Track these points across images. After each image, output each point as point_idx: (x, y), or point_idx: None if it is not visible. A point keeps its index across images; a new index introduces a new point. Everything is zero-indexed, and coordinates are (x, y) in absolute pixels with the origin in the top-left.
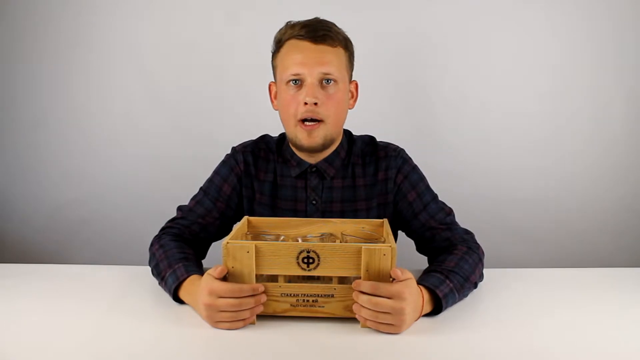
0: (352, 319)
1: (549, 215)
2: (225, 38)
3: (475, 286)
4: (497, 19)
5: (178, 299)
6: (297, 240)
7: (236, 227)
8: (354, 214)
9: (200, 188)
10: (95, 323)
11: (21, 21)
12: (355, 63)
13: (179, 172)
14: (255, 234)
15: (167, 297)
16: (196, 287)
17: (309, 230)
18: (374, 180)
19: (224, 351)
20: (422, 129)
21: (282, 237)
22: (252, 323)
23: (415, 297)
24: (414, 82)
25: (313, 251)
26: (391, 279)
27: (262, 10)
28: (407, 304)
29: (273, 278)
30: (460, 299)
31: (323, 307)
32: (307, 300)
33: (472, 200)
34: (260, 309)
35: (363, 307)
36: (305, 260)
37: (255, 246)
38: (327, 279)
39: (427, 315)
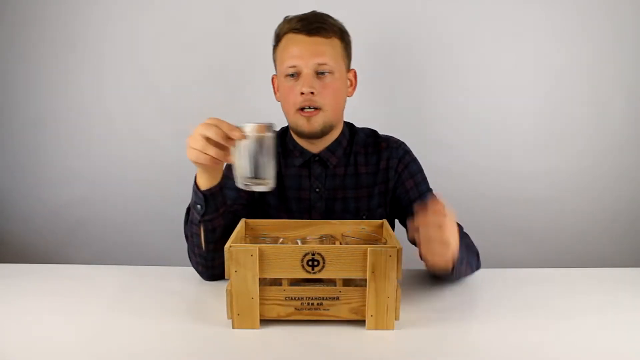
0: (358, 322)
1: (549, 215)
2: (225, 38)
3: (478, 258)
4: (498, 18)
5: (198, 192)
6: (297, 242)
7: (235, 230)
8: (356, 200)
9: None
10: (95, 323)
11: (21, 21)
12: (355, 61)
13: (178, 172)
14: (254, 237)
15: (167, 297)
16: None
17: (308, 232)
18: (376, 169)
19: (226, 355)
20: (422, 128)
21: (281, 240)
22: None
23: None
24: (414, 81)
25: (318, 254)
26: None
27: (262, 9)
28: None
29: (276, 281)
30: (466, 268)
31: (328, 310)
32: (312, 304)
33: (472, 200)
34: (226, 160)
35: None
36: (310, 263)
37: (259, 249)
38: (331, 282)
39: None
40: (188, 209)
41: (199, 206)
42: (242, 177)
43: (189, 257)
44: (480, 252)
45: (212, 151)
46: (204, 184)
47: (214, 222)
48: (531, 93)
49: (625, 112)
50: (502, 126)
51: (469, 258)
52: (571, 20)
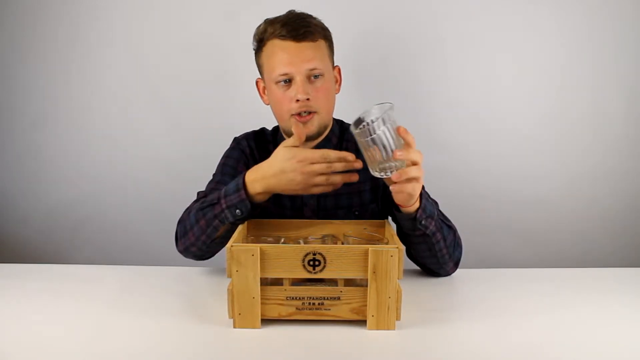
0: (359, 322)
1: (549, 215)
2: (225, 38)
3: (455, 235)
4: (498, 18)
5: (246, 201)
6: (299, 242)
7: (237, 230)
8: (347, 197)
9: (214, 174)
10: (95, 323)
11: (21, 21)
12: (353, 61)
13: (178, 172)
14: (256, 237)
15: (167, 297)
16: (266, 167)
17: (310, 231)
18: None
19: (227, 355)
20: (421, 129)
21: (282, 240)
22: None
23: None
24: (411, 81)
25: (319, 253)
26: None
27: (262, 9)
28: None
29: (277, 281)
30: (438, 228)
31: (329, 310)
32: (313, 304)
33: (473, 201)
34: (355, 178)
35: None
36: (311, 263)
37: (260, 249)
38: (332, 281)
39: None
40: (199, 197)
41: (238, 211)
42: (379, 163)
43: (178, 236)
44: (480, 252)
45: (339, 177)
46: (263, 198)
47: (238, 224)
48: (531, 94)
49: (626, 113)
50: (501, 126)
51: (441, 224)
52: (572, 21)
